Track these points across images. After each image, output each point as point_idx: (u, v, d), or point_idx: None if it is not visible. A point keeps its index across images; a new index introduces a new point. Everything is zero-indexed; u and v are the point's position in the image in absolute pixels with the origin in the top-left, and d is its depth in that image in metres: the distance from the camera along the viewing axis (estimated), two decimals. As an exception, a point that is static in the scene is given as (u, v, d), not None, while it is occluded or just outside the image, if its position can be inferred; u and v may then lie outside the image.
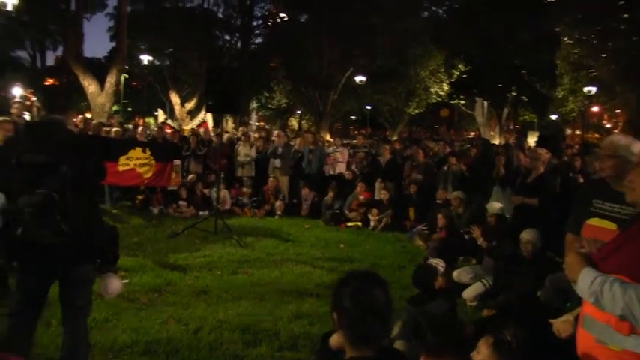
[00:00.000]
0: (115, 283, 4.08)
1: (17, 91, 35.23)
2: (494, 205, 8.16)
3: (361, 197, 12.30)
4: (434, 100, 32.64)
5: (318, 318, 5.67)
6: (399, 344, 4.07)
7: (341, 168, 13.90)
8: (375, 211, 11.83)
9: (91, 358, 4.49)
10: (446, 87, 31.02)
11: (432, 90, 31.33)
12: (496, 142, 26.51)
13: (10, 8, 20.13)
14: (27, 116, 11.87)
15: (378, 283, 2.14)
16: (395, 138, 28.17)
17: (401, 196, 12.29)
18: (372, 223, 11.76)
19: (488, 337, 3.03)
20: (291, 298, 6.44)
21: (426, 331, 4.11)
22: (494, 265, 6.80)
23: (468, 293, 6.63)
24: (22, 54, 42.40)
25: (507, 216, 8.25)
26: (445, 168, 11.98)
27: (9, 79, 37.08)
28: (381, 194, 12.19)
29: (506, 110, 34.27)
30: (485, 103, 33.98)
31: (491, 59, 28.41)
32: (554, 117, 36.03)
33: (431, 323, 4.29)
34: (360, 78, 30.81)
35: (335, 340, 2.29)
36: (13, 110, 10.79)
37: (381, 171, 12.96)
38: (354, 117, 47.91)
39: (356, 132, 42.40)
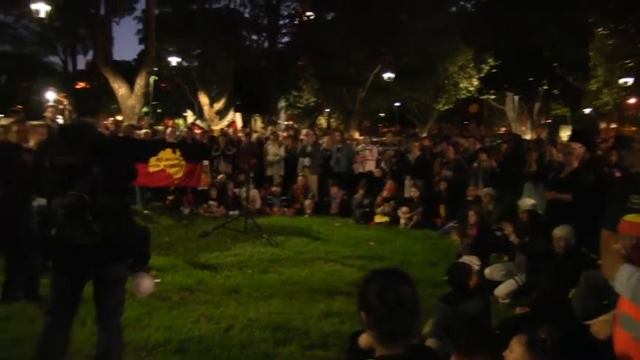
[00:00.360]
0: (146, 283, 4.12)
1: (50, 95, 35.97)
2: (527, 201, 8.03)
3: (385, 193, 12.23)
4: (463, 96, 32.29)
5: (348, 316, 5.65)
6: (430, 342, 4.02)
7: (370, 166, 13.84)
8: (404, 208, 11.76)
9: (125, 357, 4.55)
10: (475, 82, 30.59)
11: (461, 86, 31.00)
12: (527, 137, 26.11)
13: (42, 15, 20.54)
14: (60, 120, 12.07)
15: (403, 279, 2.12)
16: (424, 135, 27.96)
17: (431, 193, 12.20)
18: (401, 221, 11.69)
19: (521, 336, 2.97)
20: (322, 296, 6.44)
21: (459, 330, 4.05)
22: (526, 262, 6.70)
23: (500, 291, 6.55)
24: (55, 59, 43.13)
25: (540, 212, 8.11)
26: (475, 164, 11.85)
27: (42, 84, 37.86)
28: (411, 191, 12.11)
29: (537, 104, 33.64)
30: (516, 97, 33.41)
31: (521, 53, 27.96)
32: (587, 110, 35.34)
33: (465, 322, 4.23)
34: (388, 75, 30.61)
35: (364, 339, 2.26)
36: (47, 114, 11.02)
37: (411, 168, 12.88)
38: (382, 114, 47.68)
39: (385, 129, 42.20)
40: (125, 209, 3.83)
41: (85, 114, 3.89)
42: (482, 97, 33.80)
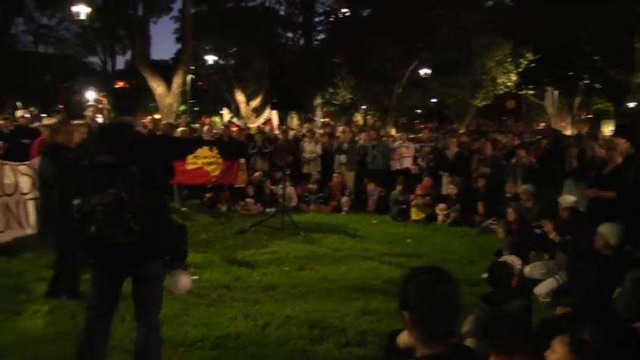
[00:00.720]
0: (184, 280, 4.15)
1: (90, 95, 36.68)
2: (567, 198, 7.86)
3: (419, 190, 12.12)
4: (501, 92, 31.71)
5: (386, 314, 5.62)
6: (469, 342, 3.97)
7: (407, 162, 13.76)
8: (442, 205, 11.65)
9: (163, 352, 4.60)
10: (513, 77, 30.06)
11: (499, 81, 30.45)
12: (568, 132, 25.58)
13: (83, 17, 20.97)
14: (99, 119, 12.29)
15: (446, 278, 2.09)
16: (462, 131, 27.64)
17: (469, 190, 12.06)
18: (439, 218, 11.58)
19: (564, 336, 2.89)
20: (359, 294, 6.41)
21: (498, 329, 3.97)
22: (567, 260, 6.55)
23: (540, 289, 6.43)
24: (94, 59, 43.97)
25: (581, 209, 7.93)
26: (514, 160, 11.68)
27: (82, 84, 38.65)
28: (449, 188, 12.00)
29: (578, 99, 33.03)
30: (556, 92, 32.84)
31: (561, 46, 27.38)
32: (632, 104, 34.37)
33: (506, 322, 4.16)
34: (424, 71, 30.33)
35: (403, 338, 2.23)
36: (87, 113, 11.22)
37: (449, 165, 12.75)
38: (419, 111, 47.34)
39: (421, 126, 41.90)
40: (163, 207, 3.86)
41: (124, 113, 3.94)
42: (520, 93, 33.29)
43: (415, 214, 11.86)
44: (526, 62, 29.27)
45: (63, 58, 39.87)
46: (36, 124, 12.12)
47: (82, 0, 20.61)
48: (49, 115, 13.05)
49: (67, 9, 23.86)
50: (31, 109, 17.33)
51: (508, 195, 10.49)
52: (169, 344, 4.79)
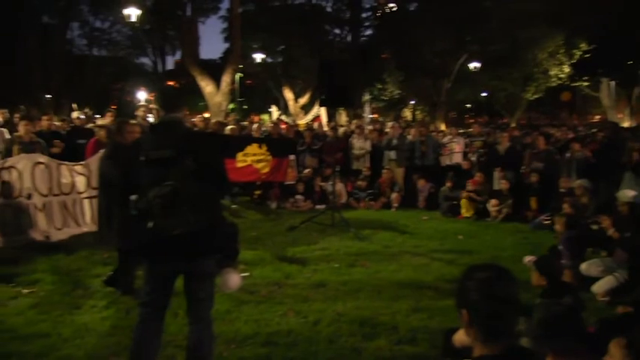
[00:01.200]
0: (234, 279, 4.18)
1: (141, 95, 37.52)
2: (627, 193, 7.59)
3: (470, 186, 11.92)
4: (553, 84, 30.92)
5: (437, 312, 5.55)
6: (525, 342, 3.86)
7: (457, 158, 13.57)
8: (494, 201, 11.44)
9: (215, 348, 4.66)
10: (567, 69, 29.25)
11: (551, 73, 29.67)
12: (625, 125, 24.77)
13: (133, 19, 21.45)
14: (150, 118, 12.52)
15: (505, 275, 2.04)
16: (513, 125, 27.09)
17: (521, 186, 11.81)
18: (491, 214, 11.38)
19: (620, 339, 2.77)
20: (410, 291, 6.35)
21: (554, 329, 3.85)
22: (627, 258, 6.33)
23: (598, 287, 6.22)
24: (145, 60, 44.98)
25: (642, 204, 7.65)
26: (568, 155, 11.39)
27: (134, 85, 39.58)
28: (501, 184, 11.77)
29: (636, 90, 31.90)
30: (612, 83, 31.78)
31: (617, 35, 26.44)
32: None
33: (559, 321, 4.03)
34: (474, 65, 29.88)
35: (460, 337, 2.18)
36: (139, 113, 11.43)
37: (500, 159, 12.50)
38: (468, 105, 46.60)
39: (471, 120, 41.25)
40: (217, 203, 3.88)
41: (172, 110, 3.98)
42: (574, 85, 32.35)
43: (465, 211, 11.68)
44: (580, 53, 28.45)
45: (115, 60, 40.88)
46: (90, 125, 12.46)
47: (132, 2, 21.08)
48: (102, 116, 13.38)
49: (119, 12, 24.45)
50: (86, 110, 17.79)
51: (562, 190, 10.23)
52: (221, 340, 4.84)
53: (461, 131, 18.31)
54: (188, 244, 3.58)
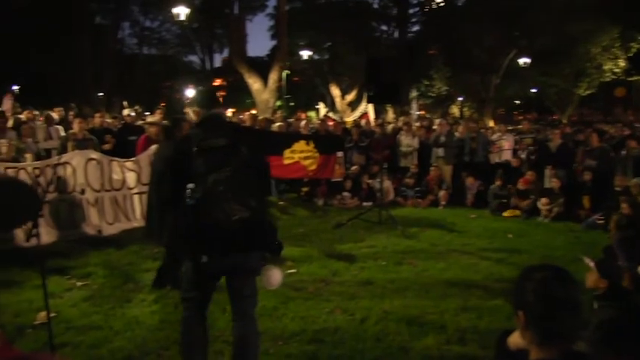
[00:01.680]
0: (276, 275, 4.15)
1: (190, 92, 38.12)
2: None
3: (520, 185, 11.67)
4: (607, 79, 30.05)
5: (486, 311, 5.47)
6: (582, 346, 3.75)
7: (506, 155, 13.32)
8: (544, 199, 11.18)
9: (262, 344, 4.67)
10: (622, 63, 28.36)
11: (605, 68, 28.82)
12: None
13: (182, 18, 21.80)
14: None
15: (565, 277, 1.97)
16: (564, 121, 26.44)
17: (573, 184, 11.52)
18: (542, 212, 11.13)
19: None
20: (458, 290, 6.27)
21: (616, 334, 3.73)
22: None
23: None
24: (193, 58, 45.67)
25: None
26: (623, 152, 11.04)
27: (182, 83, 40.24)
28: (552, 182, 11.49)
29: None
30: (672, 77, 30.69)
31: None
32: None
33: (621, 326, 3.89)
34: (523, 60, 29.30)
35: (515, 339, 2.11)
36: (188, 110, 11.60)
37: (552, 157, 12.21)
38: (517, 102, 45.73)
39: (520, 117, 40.46)
40: (265, 197, 3.88)
41: (212, 107, 3.99)
42: (630, 79, 31.33)
43: (509, 212, 11.47)
44: (637, 46, 27.53)
45: (164, 58, 41.67)
46: (140, 122, 12.71)
47: (182, 1, 21.41)
48: (152, 114, 13.61)
49: (168, 11, 24.89)
50: (136, 107, 18.15)
51: (618, 189, 9.92)
52: (268, 336, 4.86)
53: (510, 128, 17.98)
54: (241, 235, 3.56)
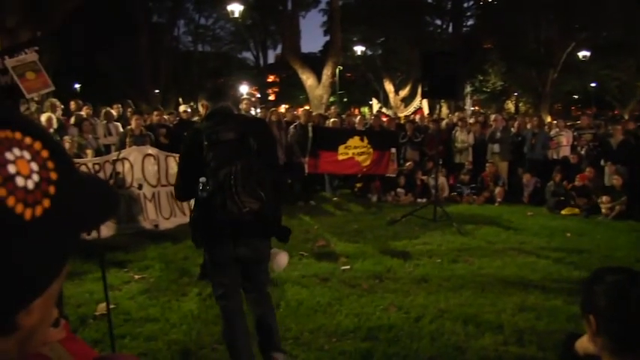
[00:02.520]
0: (284, 258, 4.27)
1: (243, 89, 38.57)
2: None
3: (577, 181, 11.31)
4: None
5: (545, 312, 5.32)
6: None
7: (565, 151, 12.96)
8: (605, 197, 10.83)
9: (316, 340, 4.68)
10: (690, 56, 27.26)
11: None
12: None
13: (237, 15, 22.03)
14: (253, 111, 12.80)
15: (639, 279, 1.82)
16: (626, 117, 25.56)
17: (636, 181, 11.09)
18: (602, 211, 10.78)
19: None
20: (515, 289, 6.11)
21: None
22: None
23: None
24: (247, 55, 46.15)
25: None
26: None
27: (236, 79, 40.74)
28: (613, 179, 11.12)
29: None
30: None
31: None
32: None
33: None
34: (583, 53, 28.42)
35: (583, 344, 2.02)
36: (242, 106, 11.72)
37: (613, 153, 11.80)
38: (576, 96, 44.48)
39: (578, 112, 39.35)
40: (274, 185, 3.93)
41: (219, 101, 4.00)
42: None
43: (568, 210, 11.16)
44: None
45: (218, 55, 42.21)
46: (196, 118, 12.90)
47: (235, -1, 21.66)
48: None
49: (222, 9, 25.19)
50: (191, 104, 18.46)
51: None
52: (322, 333, 4.86)
53: (568, 123, 17.49)
54: (252, 225, 3.65)
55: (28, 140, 0.56)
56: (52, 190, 0.56)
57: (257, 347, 3.98)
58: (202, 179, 3.59)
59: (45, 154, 0.57)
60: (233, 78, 41.69)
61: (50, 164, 0.57)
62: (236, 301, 3.91)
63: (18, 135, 0.55)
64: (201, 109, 4.28)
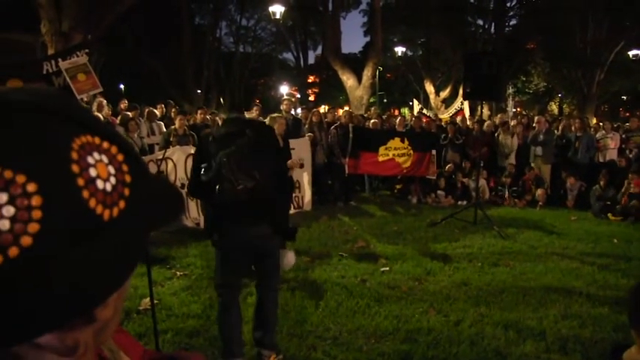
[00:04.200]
0: (291, 257, 4.49)
1: (283, 89, 38.77)
2: None
3: (633, 187, 11.00)
4: None
5: (589, 320, 5.22)
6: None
7: (612, 154, 12.63)
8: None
9: (355, 341, 4.69)
10: None
11: None
12: None
13: (278, 16, 22.19)
14: (293, 112, 12.85)
15: None
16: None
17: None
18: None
19: None
20: (558, 295, 6.01)
21: None
22: None
23: None
24: (288, 55, 46.42)
25: None
26: None
27: (276, 80, 41.01)
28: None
29: None
30: None
31: None
32: None
33: None
34: (634, 52, 27.65)
35: (633, 357, 1.94)
36: (283, 107, 11.80)
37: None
38: (624, 97, 43.35)
39: (627, 114, 38.35)
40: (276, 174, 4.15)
41: (235, 111, 4.32)
42: None
43: (612, 217, 10.89)
44: None
45: (260, 55, 42.57)
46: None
47: (277, 0, 21.80)
48: (248, 110, 13.88)
49: (264, 10, 25.38)
50: (233, 104, 18.60)
51: None
52: (361, 334, 4.88)
53: (615, 125, 17.05)
54: (250, 205, 3.90)
55: (105, 145, 0.60)
56: (126, 192, 0.59)
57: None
58: (203, 164, 3.93)
59: (120, 157, 0.61)
60: (273, 78, 42.03)
61: (125, 167, 0.61)
62: (234, 292, 4.21)
63: (97, 139, 0.59)
64: (218, 120, 4.91)
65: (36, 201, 0.51)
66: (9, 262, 0.50)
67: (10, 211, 0.50)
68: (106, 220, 0.56)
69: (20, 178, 0.51)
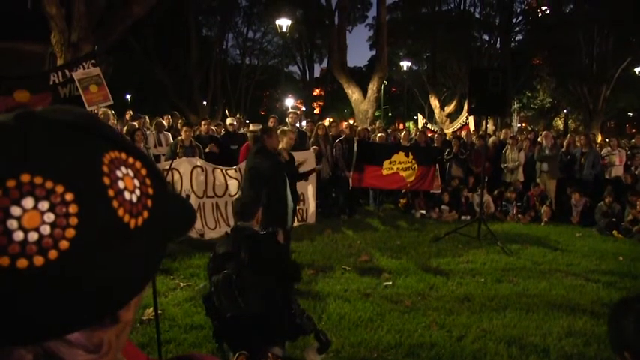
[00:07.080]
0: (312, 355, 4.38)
1: (289, 101, 38.92)
2: None
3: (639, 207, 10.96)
4: None
5: (594, 338, 5.20)
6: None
7: (617, 171, 12.60)
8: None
9: (357, 355, 4.69)
10: None
11: None
12: None
13: (284, 30, 22.36)
14: (298, 125, 12.89)
15: None
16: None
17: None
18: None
19: None
20: (562, 312, 5.98)
21: None
22: None
23: None
24: (293, 68, 46.67)
25: None
26: None
27: (282, 92, 41.19)
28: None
29: None
30: None
31: None
32: None
33: None
34: (639, 69, 27.68)
35: None
36: (288, 120, 11.83)
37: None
38: (630, 114, 43.29)
39: (633, 130, 38.30)
40: (280, 288, 4.26)
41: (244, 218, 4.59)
42: None
43: (617, 233, 10.84)
44: None
45: (265, 68, 42.82)
46: (244, 130, 13.09)
47: (283, 14, 21.98)
48: (254, 122, 13.97)
49: (270, 23, 25.55)
50: (237, 116, 18.72)
51: None
52: (363, 347, 4.87)
53: (622, 142, 17.01)
54: (246, 327, 4.10)
55: (130, 160, 0.65)
56: (149, 203, 0.65)
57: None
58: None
59: (144, 172, 0.66)
60: (279, 91, 42.20)
61: (148, 181, 0.66)
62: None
63: (124, 155, 0.64)
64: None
65: (73, 209, 0.57)
66: (49, 264, 0.55)
67: (50, 217, 0.55)
68: (132, 229, 0.61)
69: (59, 189, 0.56)
